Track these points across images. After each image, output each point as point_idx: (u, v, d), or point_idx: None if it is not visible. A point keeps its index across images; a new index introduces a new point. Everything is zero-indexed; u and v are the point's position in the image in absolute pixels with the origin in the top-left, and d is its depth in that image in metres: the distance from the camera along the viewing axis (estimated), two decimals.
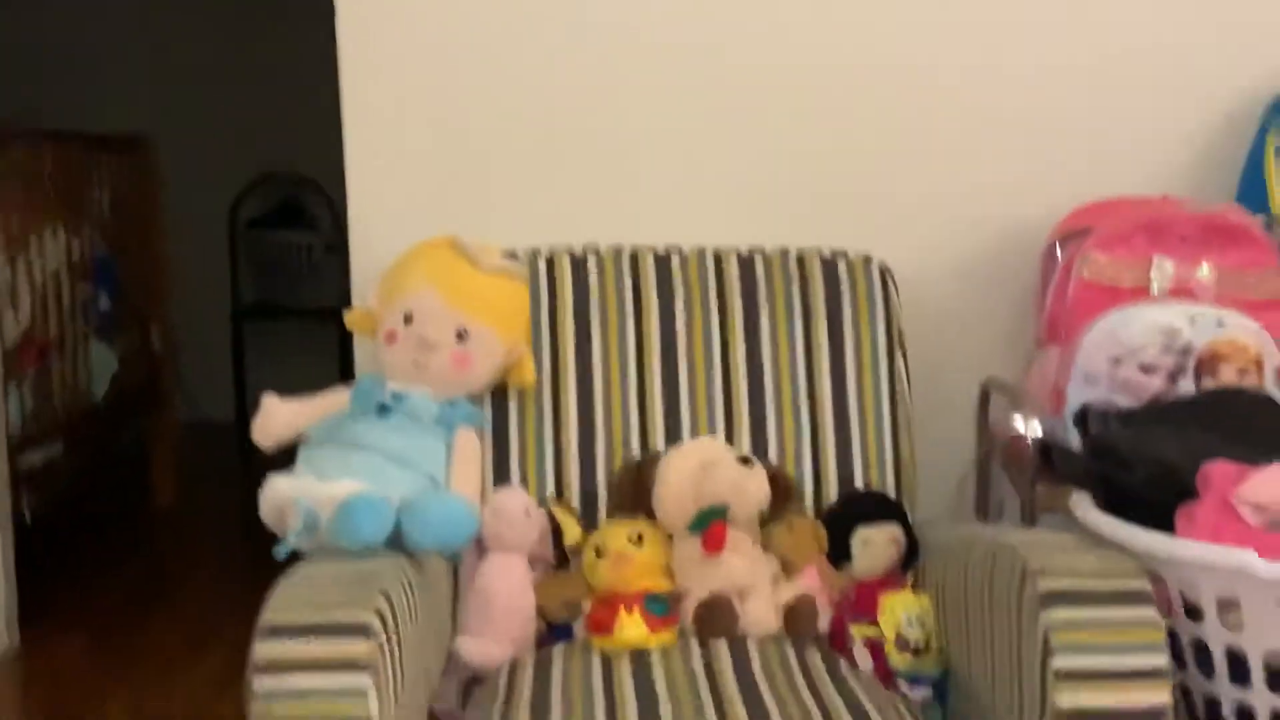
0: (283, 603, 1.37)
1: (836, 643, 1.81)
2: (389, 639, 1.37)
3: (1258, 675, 1.48)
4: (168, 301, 4.42)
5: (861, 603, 1.83)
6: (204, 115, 5.17)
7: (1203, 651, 1.53)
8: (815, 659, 1.69)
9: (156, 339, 4.29)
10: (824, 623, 1.82)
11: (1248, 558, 1.41)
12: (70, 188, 3.76)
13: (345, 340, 2.21)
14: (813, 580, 1.84)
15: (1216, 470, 1.51)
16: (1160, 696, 1.36)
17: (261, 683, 1.30)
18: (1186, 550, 1.48)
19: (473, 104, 2.16)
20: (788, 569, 1.84)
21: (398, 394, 1.85)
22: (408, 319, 1.88)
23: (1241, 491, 1.47)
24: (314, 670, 1.31)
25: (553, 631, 1.83)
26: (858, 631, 1.81)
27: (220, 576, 3.51)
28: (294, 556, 1.60)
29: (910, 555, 1.87)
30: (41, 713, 2.81)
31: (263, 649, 1.32)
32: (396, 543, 1.63)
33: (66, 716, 2.75)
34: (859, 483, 1.95)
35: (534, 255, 2.02)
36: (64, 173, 3.72)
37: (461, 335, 1.87)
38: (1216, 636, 1.50)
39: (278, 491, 1.72)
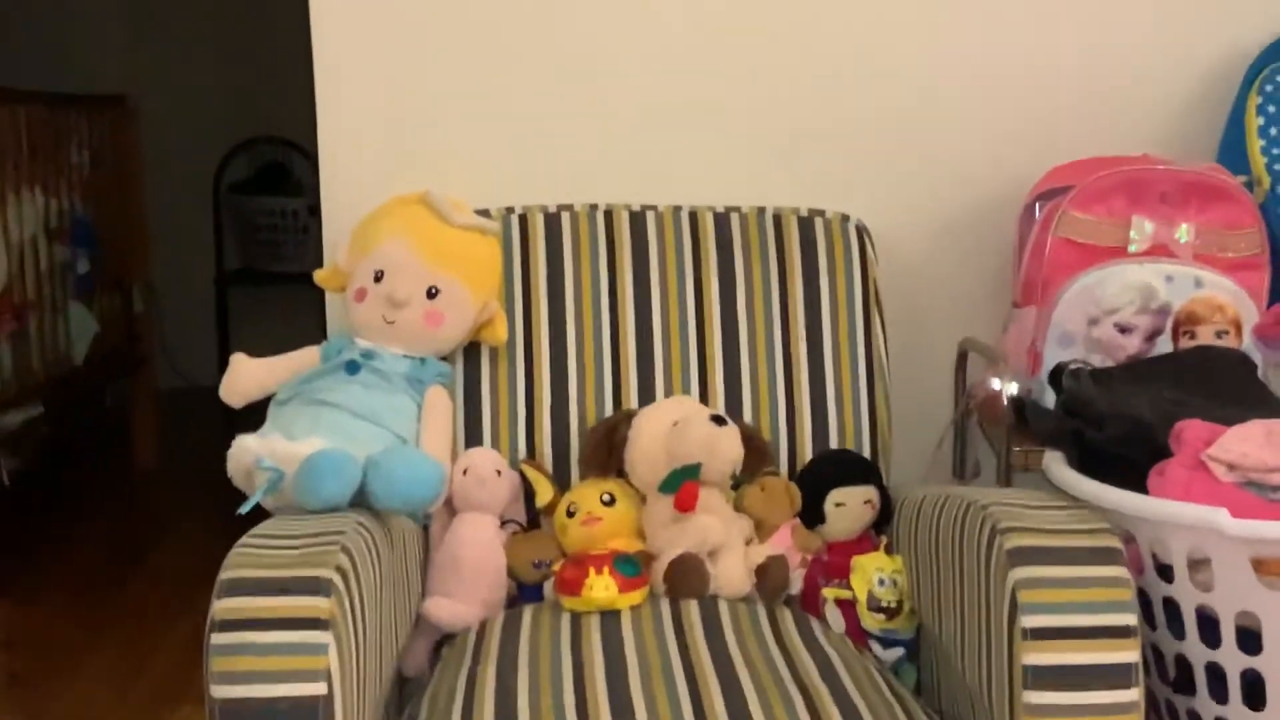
0: (241, 560, 1.35)
1: (809, 604, 1.80)
2: (350, 596, 1.35)
3: (1228, 636, 1.47)
4: (149, 265, 4.40)
5: (834, 564, 1.82)
6: (187, 78, 5.14)
7: (1174, 611, 1.52)
8: (787, 620, 1.67)
9: (138, 302, 4.27)
10: (796, 584, 1.81)
11: (1218, 516, 1.40)
12: (48, 149, 3.73)
13: (325, 304, 2.18)
14: (785, 541, 1.82)
15: (1189, 428, 1.49)
16: (1128, 654, 1.35)
17: (219, 638, 1.29)
18: (1157, 508, 1.46)
19: (447, 63, 2.13)
20: (760, 530, 1.83)
21: (368, 351, 1.83)
22: (378, 276, 1.85)
23: (1213, 450, 1.46)
24: (272, 627, 1.29)
25: (523, 592, 1.82)
26: (830, 593, 1.79)
27: (200, 539, 3.50)
28: (268, 515, 1.58)
29: (884, 516, 1.86)
30: (19, 674, 2.80)
31: (220, 605, 1.30)
32: (364, 502, 1.61)
33: (46, 677, 2.75)
34: (834, 443, 1.93)
35: (507, 212, 2.00)
36: (42, 134, 3.69)
37: (432, 292, 1.85)
38: (1187, 596, 1.49)
39: (245, 450, 1.71)
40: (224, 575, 1.33)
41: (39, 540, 3.54)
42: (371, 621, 1.44)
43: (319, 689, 1.28)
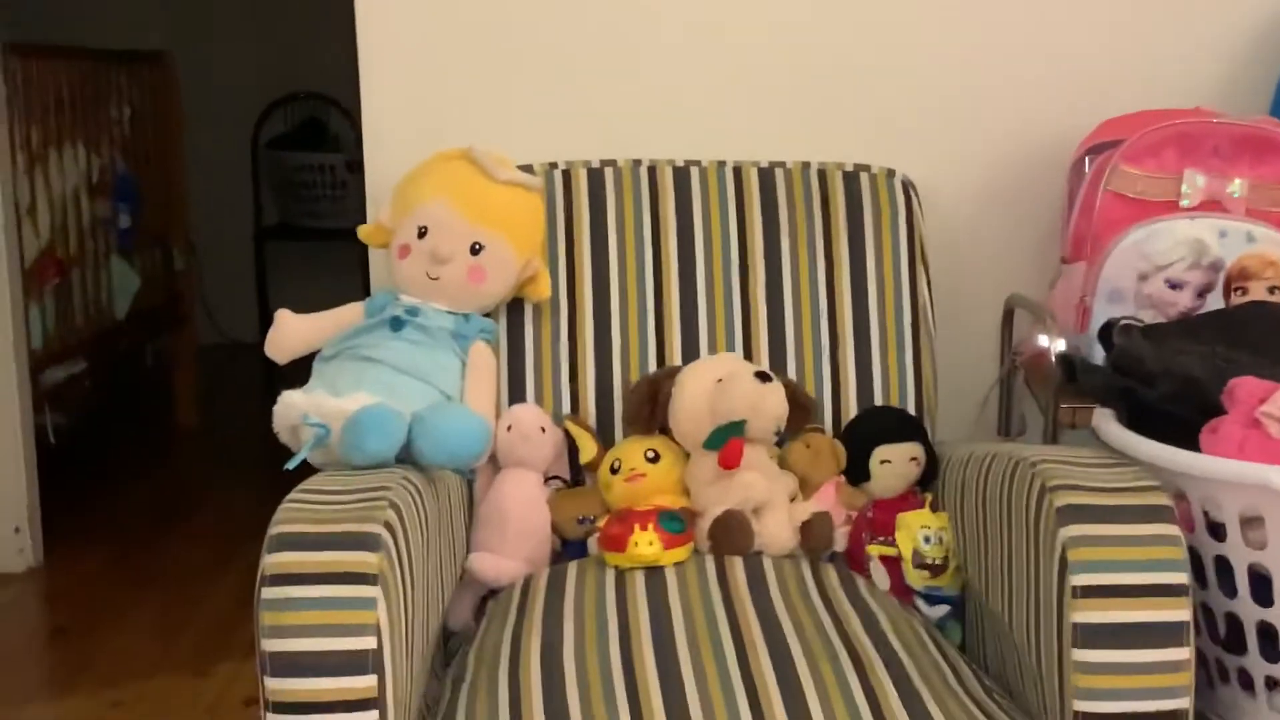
0: (291, 515, 1.35)
1: (854, 561, 1.80)
2: (398, 551, 1.35)
3: None
4: (189, 220, 4.41)
5: (879, 521, 1.81)
6: (225, 34, 5.14)
7: (1225, 570, 1.51)
8: (831, 577, 1.67)
9: (178, 257, 4.29)
10: (841, 541, 1.80)
11: (1272, 474, 1.38)
12: (90, 104, 3.74)
13: (369, 260, 2.19)
14: (830, 498, 1.82)
15: (1242, 385, 1.47)
16: (1179, 613, 1.33)
17: (270, 592, 1.29)
18: (1210, 466, 1.45)
19: (489, 18, 2.12)
20: (805, 486, 1.82)
21: (412, 307, 1.83)
22: (421, 232, 1.85)
23: (1268, 407, 1.44)
24: (322, 582, 1.30)
25: (567, 548, 1.82)
26: (875, 550, 1.79)
27: (242, 494, 3.53)
28: (313, 471, 1.59)
29: (930, 473, 1.85)
30: (64, 627, 2.84)
31: (271, 560, 1.31)
32: (409, 458, 1.62)
33: (89, 631, 2.78)
34: (879, 400, 1.92)
35: (550, 168, 1.99)
36: (83, 89, 3.70)
37: (476, 249, 1.84)
38: (1239, 555, 1.47)
39: (291, 407, 1.72)
40: (274, 530, 1.33)
41: (82, 496, 3.57)
42: (419, 576, 1.44)
43: (369, 643, 1.29)
